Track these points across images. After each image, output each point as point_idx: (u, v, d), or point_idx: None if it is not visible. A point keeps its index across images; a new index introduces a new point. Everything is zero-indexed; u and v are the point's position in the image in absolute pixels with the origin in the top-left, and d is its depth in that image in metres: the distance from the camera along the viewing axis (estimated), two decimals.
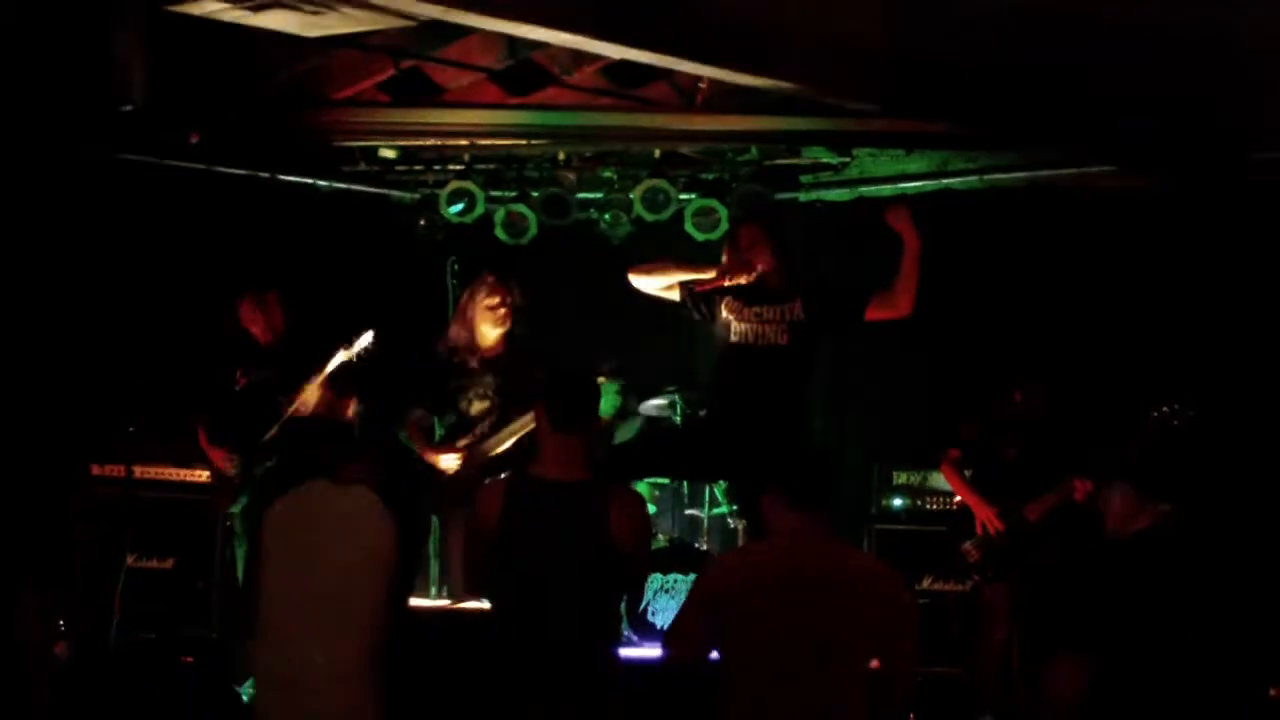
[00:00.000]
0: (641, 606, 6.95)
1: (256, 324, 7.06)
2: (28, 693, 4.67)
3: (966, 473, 6.81)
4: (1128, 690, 4.55)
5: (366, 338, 6.79)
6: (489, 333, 6.94)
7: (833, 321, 6.15)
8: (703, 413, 7.55)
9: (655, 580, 6.95)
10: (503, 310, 6.93)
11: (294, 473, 5.61)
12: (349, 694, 4.07)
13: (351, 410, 7.00)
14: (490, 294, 6.94)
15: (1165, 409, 6.28)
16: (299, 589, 4.17)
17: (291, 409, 6.70)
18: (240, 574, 6.82)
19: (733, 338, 6.10)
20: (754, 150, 8.53)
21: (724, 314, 6.13)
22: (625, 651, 5.18)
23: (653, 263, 6.35)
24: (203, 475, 7.46)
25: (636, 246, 8.92)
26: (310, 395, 6.68)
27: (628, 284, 6.41)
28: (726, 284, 6.08)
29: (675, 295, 6.27)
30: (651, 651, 6.62)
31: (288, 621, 4.15)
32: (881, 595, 4.32)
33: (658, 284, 6.28)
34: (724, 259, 6.19)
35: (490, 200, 8.72)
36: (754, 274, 6.05)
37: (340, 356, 6.77)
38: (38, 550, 6.54)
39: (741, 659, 4.27)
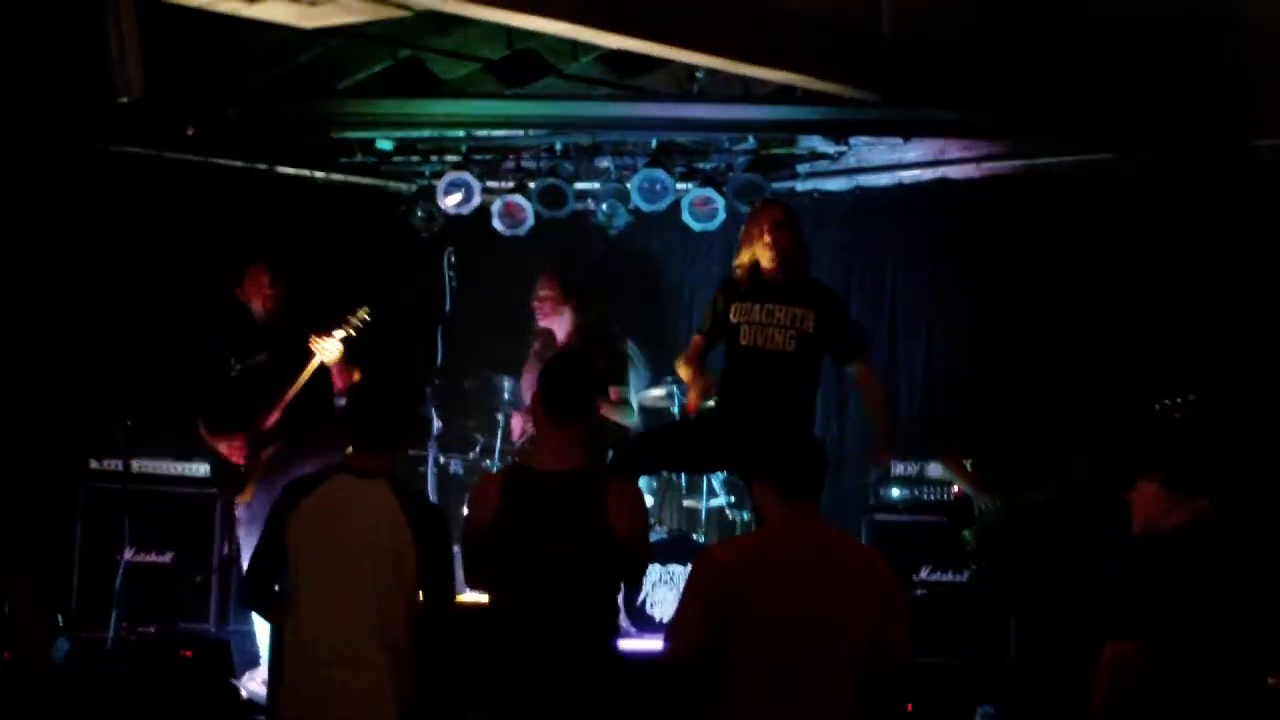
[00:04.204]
0: (640, 598, 6.95)
1: (261, 296, 6.93)
2: (25, 684, 4.74)
3: (966, 462, 6.80)
4: (1166, 682, 4.56)
5: (362, 312, 6.80)
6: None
7: (831, 352, 6.16)
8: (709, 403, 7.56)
9: (653, 572, 6.95)
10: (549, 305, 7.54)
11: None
12: (370, 673, 4.30)
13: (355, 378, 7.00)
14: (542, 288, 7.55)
15: (1169, 401, 6.26)
16: (324, 579, 4.37)
17: (294, 391, 6.72)
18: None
19: (741, 340, 6.06)
20: (751, 139, 8.52)
21: (732, 318, 6.08)
22: (623, 644, 5.18)
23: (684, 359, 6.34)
24: (201, 469, 7.47)
25: (633, 236, 8.94)
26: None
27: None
28: (747, 262, 6.10)
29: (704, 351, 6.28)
30: (650, 643, 6.62)
31: (313, 609, 4.38)
32: (873, 580, 4.36)
33: (691, 370, 6.24)
34: (741, 245, 6.19)
35: (487, 191, 8.71)
36: (772, 258, 6.05)
37: (339, 334, 6.77)
38: (33, 537, 6.56)
39: (741, 647, 4.28)
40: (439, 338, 7.64)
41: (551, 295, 7.58)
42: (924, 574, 7.38)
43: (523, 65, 7.84)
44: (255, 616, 6.37)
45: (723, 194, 8.45)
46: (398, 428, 4.60)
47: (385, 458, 4.50)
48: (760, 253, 6.10)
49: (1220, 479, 4.87)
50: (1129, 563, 4.76)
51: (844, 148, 8.71)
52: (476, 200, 8.59)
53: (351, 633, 4.32)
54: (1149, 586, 4.59)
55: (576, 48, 7.65)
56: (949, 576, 7.30)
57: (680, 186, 8.59)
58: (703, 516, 7.96)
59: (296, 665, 4.40)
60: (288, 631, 4.45)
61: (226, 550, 7.36)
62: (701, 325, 6.33)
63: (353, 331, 6.75)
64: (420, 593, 4.41)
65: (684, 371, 6.25)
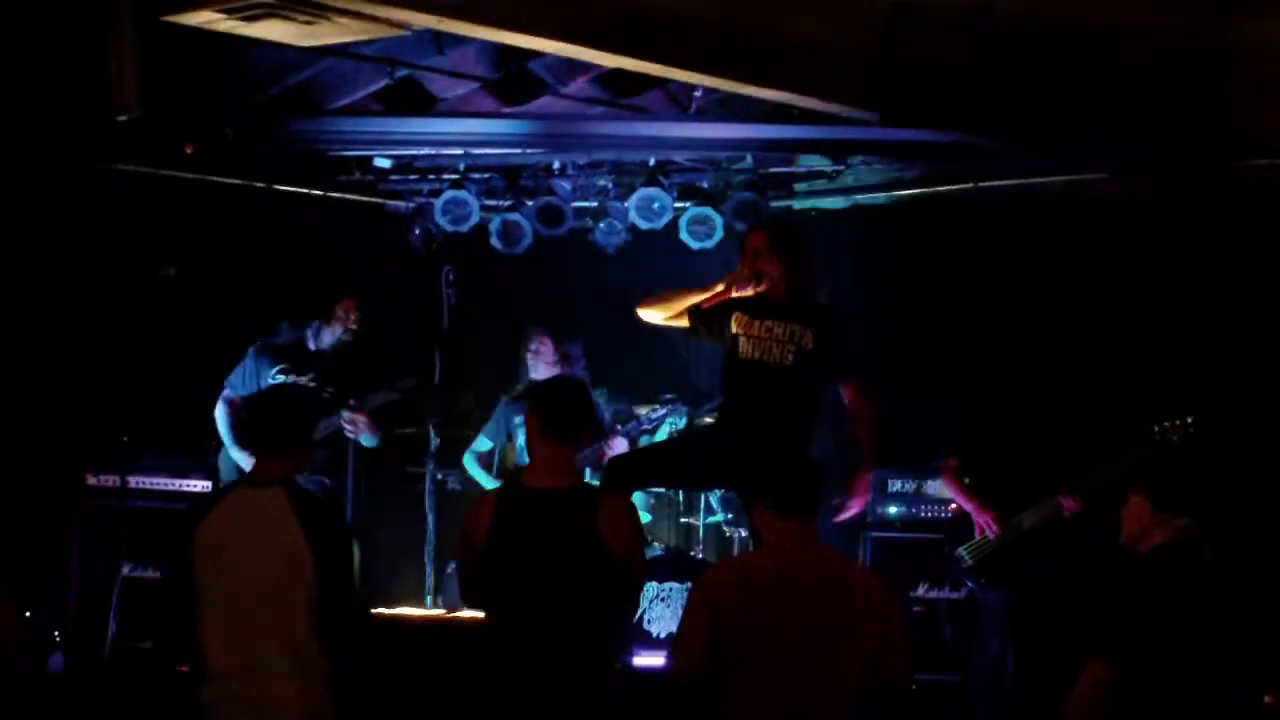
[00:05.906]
0: (637, 615, 6.95)
1: (345, 326, 7.25)
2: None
3: (965, 480, 6.80)
4: (1148, 700, 4.57)
5: (409, 381, 7.16)
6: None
7: (827, 371, 6.04)
8: (705, 420, 7.55)
9: (651, 589, 6.94)
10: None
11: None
12: (274, 683, 4.31)
13: None
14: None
15: (1166, 423, 6.27)
16: (225, 591, 4.39)
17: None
18: None
19: (740, 353, 5.99)
20: (748, 158, 8.54)
21: (733, 328, 6.01)
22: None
23: (659, 295, 6.31)
24: (197, 485, 7.46)
25: (631, 255, 8.95)
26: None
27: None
28: (734, 295, 6.01)
29: (684, 323, 6.21)
30: (649, 660, 6.62)
31: (217, 622, 4.40)
32: (872, 597, 4.38)
33: (667, 314, 6.21)
34: (737, 268, 6.17)
35: (485, 209, 8.72)
36: (761, 284, 6.01)
37: (382, 397, 7.11)
38: (22, 552, 6.58)
39: (740, 666, 4.30)
40: (436, 356, 7.65)
41: (545, 351, 7.76)
42: (920, 591, 7.36)
43: (520, 84, 7.87)
44: None
45: (720, 213, 8.46)
46: (290, 433, 4.59)
47: (282, 464, 4.51)
48: (746, 279, 6.08)
49: (1205, 498, 4.87)
50: (1108, 581, 4.77)
51: (841, 166, 8.73)
52: (474, 219, 8.60)
53: (254, 643, 4.31)
54: (1126, 604, 4.61)
55: (574, 66, 7.67)
56: (946, 594, 7.29)
57: (678, 205, 8.61)
58: (700, 533, 7.96)
59: (205, 678, 4.40)
60: (201, 647, 4.43)
61: None
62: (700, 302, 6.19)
63: (394, 396, 7.12)
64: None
65: (660, 307, 6.22)
